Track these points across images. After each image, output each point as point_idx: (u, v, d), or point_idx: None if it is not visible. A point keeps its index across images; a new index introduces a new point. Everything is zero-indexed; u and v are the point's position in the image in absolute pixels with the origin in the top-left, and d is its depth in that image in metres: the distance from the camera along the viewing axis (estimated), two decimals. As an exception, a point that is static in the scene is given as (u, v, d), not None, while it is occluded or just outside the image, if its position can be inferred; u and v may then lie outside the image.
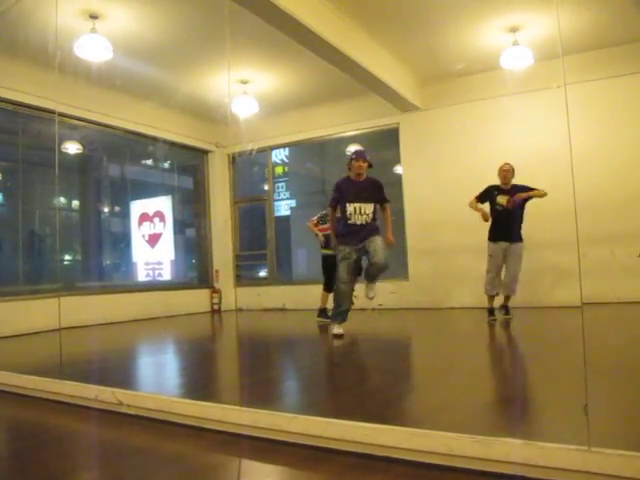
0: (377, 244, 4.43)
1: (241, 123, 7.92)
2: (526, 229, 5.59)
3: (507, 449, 1.55)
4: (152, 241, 8.86)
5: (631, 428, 1.95)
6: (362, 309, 6.29)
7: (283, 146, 9.31)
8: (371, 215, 4.55)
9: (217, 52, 6.09)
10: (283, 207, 9.72)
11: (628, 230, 6.26)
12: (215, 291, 8.95)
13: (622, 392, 2.49)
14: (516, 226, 5.43)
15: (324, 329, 5.54)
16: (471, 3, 5.49)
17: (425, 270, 7.53)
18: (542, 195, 5.28)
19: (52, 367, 3.31)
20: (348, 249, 4.54)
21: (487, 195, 5.46)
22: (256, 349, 4.78)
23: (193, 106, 8.06)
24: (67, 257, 8.16)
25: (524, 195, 5.30)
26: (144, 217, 8.93)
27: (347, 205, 4.53)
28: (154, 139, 8.24)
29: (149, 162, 9.44)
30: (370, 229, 4.56)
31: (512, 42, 6.00)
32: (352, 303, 4.72)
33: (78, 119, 7.06)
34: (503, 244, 5.40)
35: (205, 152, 9.30)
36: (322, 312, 6.07)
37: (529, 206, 5.43)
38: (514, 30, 5.94)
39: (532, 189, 5.33)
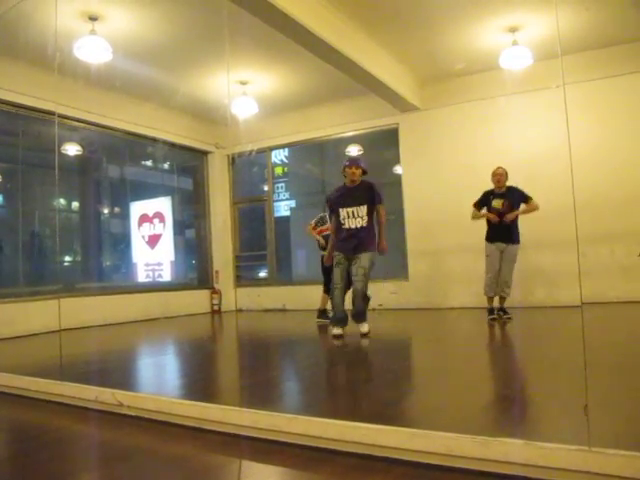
0: (363, 267, 4.49)
1: (240, 124, 7.91)
2: (526, 229, 5.61)
3: (507, 449, 1.55)
4: (152, 242, 8.86)
5: (631, 428, 1.95)
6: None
7: (283, 147, 9.31)
8: (366, 217, 4.60)
9: (216, 53, 6.10)
10: (283, 208, 9.72)
11: (627, 230, 6.26)
12: (215, 292, 8.95)
13: (622, 392, 2.49)
14: (513, 227, 5.47)
15: (324, 330, 5.54)
16: (470, 3, 5.49)
17: (425, 270, 7.53)
18: (534, 210, 5.37)
19: (52, 368, 3.31)
20: (341, 255, 4.64)
21: (484, 201, 5.54)
22: (256, 350, 4.78)
23: (193, 107, 8.06)
24: (67, 258, 8.16)
25: (513, 216, 5.37)
26: (144, 218, 8.93)
27: (340, 210, 4.63)
28: (154, 140, 8.24)
29: (149, 163, 9.45)
30: (364, 237, 4.60)
31: (511, 42, 6.00)
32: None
33: (78, 120, 7.06)
34: (500, 245, 5.43)
35: (205, 153, 9.31)
36: (322, 313, 6.06)
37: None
38: (513, 30, 5.94)
39: (527, 196, 5.40)
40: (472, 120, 7.24)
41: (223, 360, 4.75)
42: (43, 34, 5.10)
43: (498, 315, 5.51)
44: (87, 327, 6.42)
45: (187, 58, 6.54)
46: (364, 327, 4.72)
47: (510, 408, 2.39)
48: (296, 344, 5.21)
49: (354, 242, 4.59)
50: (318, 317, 6.09)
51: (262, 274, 9.43)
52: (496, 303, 5.56)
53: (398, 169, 8.05)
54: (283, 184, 9.74)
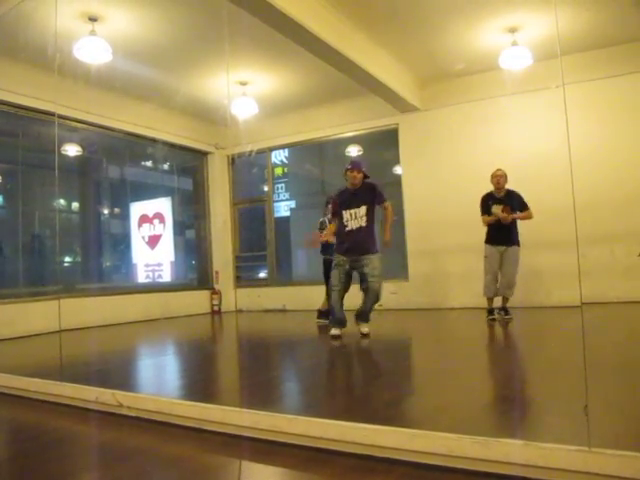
0: (375, 267, 4.57)
1: (240, 124, 7.91)
2: (526, 229, 5.61)
3: (507, 450, 1.55)
4: (152, 243, 8.86)
5: (631, 428, 1.95)
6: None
7: (282, 147, 9.31)
8: (365, 218, 4.66)
9: (216, 54, 6.10)
10: (283, 208, 9.72)
11: (628, 230, 6.26)
12: (215, 292, 8.95)
13: (622, 392, 2.49)
14: (512, 230, 5.48)
15: (324, 330, 5.53)
16: (470, 3, 5.49)
17: (425, 270, 7.53)
18: (528, 218, 5.44)
19: (52, 369, 3.30)
20: (343, 258, 4.67)
21: (485, 206, 5.54)
22: (256, 350, 4.78)
23: (192, 108, 8.06)
24: (67, 259, 8.16)
25: (510, 218, 5.39)
26: (144, 219, 8.93)
27: (344, 212, 4.72)
28: (154, 141, 8.24)
29: (149, 164, 9.45)
30: (365, 236, 4.65)
31: (511, 42, 6.00)
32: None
33: (78, 121, 7.06)
34: (500, 247, 5.45)
35: (205, 153, 9.31)
36: (322, 313, 6.06)
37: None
38: (513, 30, 5.94)
39: (525, 204, 5.44)
40: (472, 120, 7.24)
41: (223, 360, 4.75)
42: (43, 35, 5.10)
43: (499, 315, 5.52)
44: (87, 328, 6.42)
45: (187, 59, 6.54)
46: (365, 328, 4.73)
47: (510, 408, 2.39)
48: (296, 344, 5.20)
49: (355, 242, 4.64)
50: (318, 317, 6.09)
51: (262, 274, 9.43)
52: (497, 303, 5.56)
53: (398, 169, 8.05)
54: (283, 184, 9.74)
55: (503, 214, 5.37)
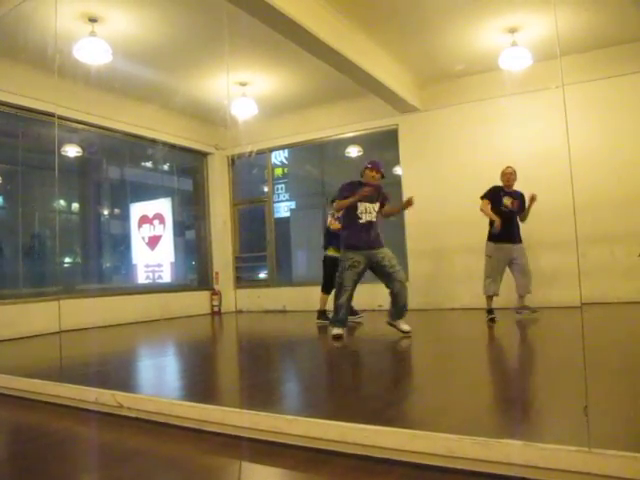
0: (392, 257, 4.69)
1: (240, 125, 7.92)
2: (526, 229, 5.62)
3: (507, 450, 1.55)
4: (152, 243, 8.86)
5: (631, 429, 1.95)
6: (362, 310, 6.30)
7: (282, 148, 9.31)
8: (375, 214, 4.77)
9: (216, 54, 6.10)
10: (283, 209, 9.72)
11: (628, 230, 6.26)
12: (215, 293, 8.95)
13: (622, 393, 2.49)
14: (517, 227, 5.53)
15: (324, 331, 5.53)
16: (469, 4, 5.49)
17: (425, 271, 7.53)
18: (522, 221, 5.60)
19: (52, 370, 3.31)
20: (357, 257, 4.64)
21: (493, 195, 5.50)
22: (256, 351, 4.77)
23: (192, 108, 8.06)
24: (67, 260, 8.16)
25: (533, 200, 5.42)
26: (144, 219, 8.93)
27: (359, 204, 4.72)
28: (153, 141, 8.24)
29: (149, 164, 9.45)
30: (376, 230, 4.76)
31: (511, 43, 6.00)
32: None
33: (78, 122, 7.06)
34: (506, 245, 5.45)
35: (204, 154, 9.31)
36: (322, 314, 6.06)
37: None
38: (513, 31, 5.95)
39: (525, 206, 5.52)
40: (472, 121, 7.24)
41: (223, 361, 4.75)
42: (43, 36, 5.10)
43: (527, 313, 5.59)
44: (87, 328, 6.42)
45: (187, 59, 6.55)
46: (406, 325, 4.71)
47: (510, 409, 2.39)
48: (296, 345, 5.20)
49: (369, 234, 4.70)
50: (318, 318, 6.09)
51: (262, 275, 9.43)
52: (497, 303, 5.56)
53: (398, 170, 8.05)
54: (283, 185, 9.74)
55: (499, 224, 5.35)
